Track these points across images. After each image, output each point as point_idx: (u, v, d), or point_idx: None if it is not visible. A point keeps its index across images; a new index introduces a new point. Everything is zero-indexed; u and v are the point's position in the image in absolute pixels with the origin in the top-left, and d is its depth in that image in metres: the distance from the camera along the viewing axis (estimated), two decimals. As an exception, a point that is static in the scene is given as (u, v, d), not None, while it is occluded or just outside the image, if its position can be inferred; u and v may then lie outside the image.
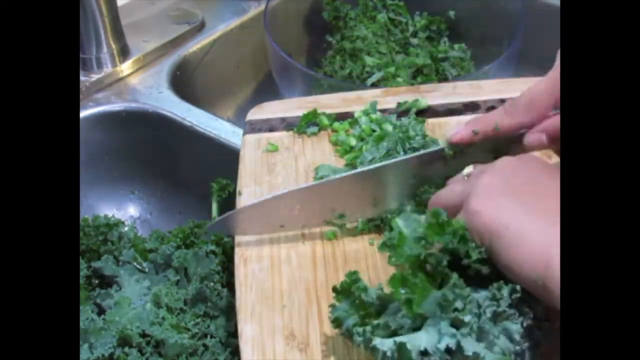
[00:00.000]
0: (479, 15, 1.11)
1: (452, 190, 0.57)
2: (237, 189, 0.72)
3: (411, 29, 1.11)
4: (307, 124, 0.78)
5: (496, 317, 0.48)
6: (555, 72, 0.56)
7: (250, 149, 0.77)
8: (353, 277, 0.54)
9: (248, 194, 0.72)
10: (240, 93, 1.19)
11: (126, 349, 0.68)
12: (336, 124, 0.78)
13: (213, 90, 1.14)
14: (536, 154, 0.59)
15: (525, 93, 0.58)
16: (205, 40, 1.10)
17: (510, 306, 0.48)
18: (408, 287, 0.49)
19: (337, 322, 0.54)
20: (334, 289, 0.54)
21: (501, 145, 0.62)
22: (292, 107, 0.82)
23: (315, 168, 0.73)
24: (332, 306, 0.54)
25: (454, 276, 0.49)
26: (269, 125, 0.79)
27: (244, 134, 0.79)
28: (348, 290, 0.54)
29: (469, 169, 0.58)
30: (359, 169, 0.66)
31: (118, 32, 1.02)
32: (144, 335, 0.69)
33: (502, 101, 0.80)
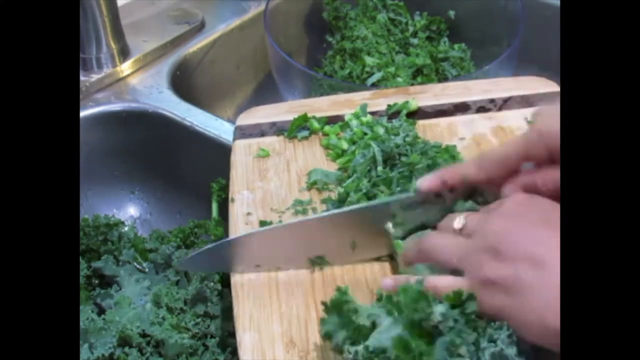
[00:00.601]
0: (479, 15, 1.11)
1: (447, 248, 0.56)
2: (230, 196, 0.72)
3: (411, 29, 1.11)
4: (298, 129, 0.78)
5: (495, 357, 0.49)
6: (530, 133, 0.58)
7: (241, 155, 0.76)
8: (344, 297, 0.53)
9: (241, 200, 0.71)
10: (240, 93, 1.19)
11: (126, 349, 0.68)
12: (327, 128, 0.78)
13: (213, 90, 1.14)
14: None
15: (497, 150, 0.60)
16: (205, 40, 1.10)
17: (508, 345, 0.49)
18: (412, 350, 0.50)
19: (327, 336, 0.54)
20: (323, 304, 0.54)
21: (477, 190, 0.62)
22: (282, 111, 0.81)
23: (308, 173, 0.73)
24: (322, 320, 0.54)
25: (460, 321, 0.50)
26: (259, 130, 0.79)
27: (234, 139, 0.78)
28: (338, 306, 0.53)
29: (460, 221, 0.57)
30: (334, 211, 0.64)
31: (118, 32, 1.02)
32: (144, 335, 0.69)
33: (492, 101, 0.80)
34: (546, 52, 1.11)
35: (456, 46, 1.10)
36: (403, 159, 0.70)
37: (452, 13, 1.13)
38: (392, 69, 1.02)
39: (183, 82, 1.06)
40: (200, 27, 1.11)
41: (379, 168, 0.70)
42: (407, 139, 0.72)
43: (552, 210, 0.53)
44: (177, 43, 1.08)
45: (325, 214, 0.64)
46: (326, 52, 1.13)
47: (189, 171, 0.99)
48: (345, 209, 0.64)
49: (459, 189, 0.61)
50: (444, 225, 0.60)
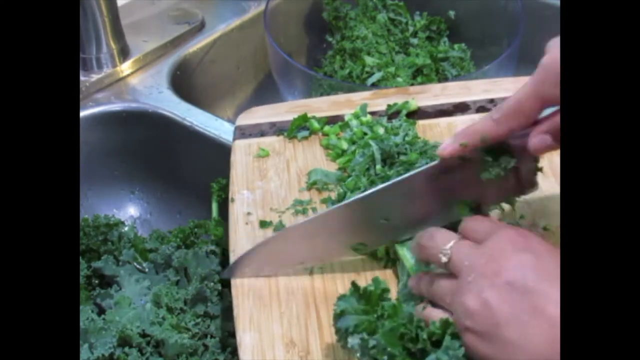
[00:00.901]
0: (479, 15, 1.11)
1: (440, 289, 0.54)
2: (230, 196, 0.72)
3: (411, 29, 1.11)
4: (298, 129, 0.78)
5: None
6: (539, 74, 0.54)
7: (241, 155, 0.76)
8: (383, 294, 0.53)
9: (241, 200, 0.71)
10: (240, 93, 1.19)
11: (126, 349, 0.68)
12: (327, 128, 0.78)
13: (213, 90, 1.14)
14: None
15: (510, 98, 0.56)
16: (205, 40, 1.10)
17: None
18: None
19: (340, 314, 0.53)
20: (354, 285, 0.53)
21: (503, 147, 0.58)
22: (282, 111, 0.81)
23: (308, 173, 0.73)
24: (342, 297, 0.53)
25: (447, 338, 0.50)
26: (259, 130, 0.79)
27: (234, 139, 0.78)
28: (370, 297, 0.53)
29: (446, 254, 0.54)
30: (366, 192, 0.61)
31: (118, 32, 1.02)
32: (144, 335, 0.69)
33: (492, 101, 0.80)
34: (546, 52, 1.10)
35: (456, 46, 1.10)
36: (402, 157, 0.70)
37: (452, 13, 1.13)
38: (392, 69, 1.02)
39: (183, 82, 1.06)
40: (200, 27, 1.11)
41: (378, 166, 0.70)
42: (407, 139, 0.72)
43: (545, 253, 0.50)
44: (177, 43, 1.08)
45: (358, 196, 0.62)
46: (326, 52, 1.13)
47: (189, 171, 0.99)
48: (375, 188, 0.61)
49: (484, 147, 0.57)
50: (431, 246, 0.56)
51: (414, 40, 1.10)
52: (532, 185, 0.61)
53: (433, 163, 0.60)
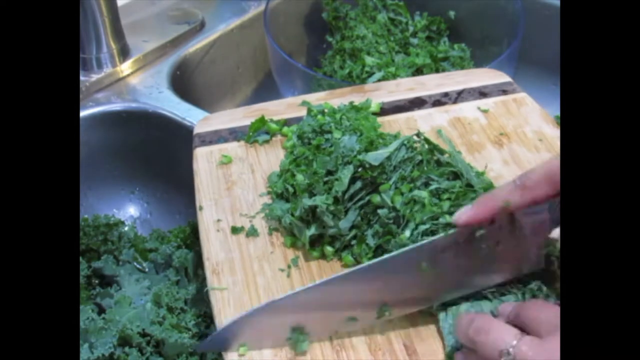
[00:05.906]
0: (479, 15, 1.11)
1: None
2: (197, 204, 0.70)
3: (411, 29, 1.11)
4: (257, 132, 0.77)
5: None
6: None
7: (204, 162, 0.75)
8: None
9: (209, 207, 0.70)
10: (240, 93, 1.19)
11: (126, 349, 0.68)
12: (286, 129, 0.77)
13: (213, 90, 1.14)
14: None
15: (541, 167, 0.53)
16: (205, 40, 1.10)
17: None
18: None
19: None
20: None
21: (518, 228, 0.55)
22: (239, 117, 0.80)
23: (268, 177, 0.72)
24: None
25: None
26: (219, 137, 0.78)
27: (194, 147, 0.77)
28: None
29: (510, 347, 0.47)
30: (360, 266, 0.56)
31: (118, 32, 1.02)
32: (144, 334, 0.69)
33: (446, 94, 0.81)
34: (546, 52, 1.11)
35: (456, 46, 1.10)
36: (326, 136, 0.69)
37: (452, 13, 1.13)
38: (392, 69, 1.02)
39: (183, 82, 1.06)
40: (200, 27, 1.12)
41: (299, 148, 0.70)
42: (343, 120, 0.71)
43: None
44: (177, 43, 1.08)
45: (359, 267, 0.56)
46: (326, 52, 1.14)
47: (189, 171, 0.98)
48: (383, 257, 0.56)
49: (501, 219, 0.54)
50: (486, 343, 0.49)
51: (414, 40, 1.10)
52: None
53: (444, 235, 0.55)
